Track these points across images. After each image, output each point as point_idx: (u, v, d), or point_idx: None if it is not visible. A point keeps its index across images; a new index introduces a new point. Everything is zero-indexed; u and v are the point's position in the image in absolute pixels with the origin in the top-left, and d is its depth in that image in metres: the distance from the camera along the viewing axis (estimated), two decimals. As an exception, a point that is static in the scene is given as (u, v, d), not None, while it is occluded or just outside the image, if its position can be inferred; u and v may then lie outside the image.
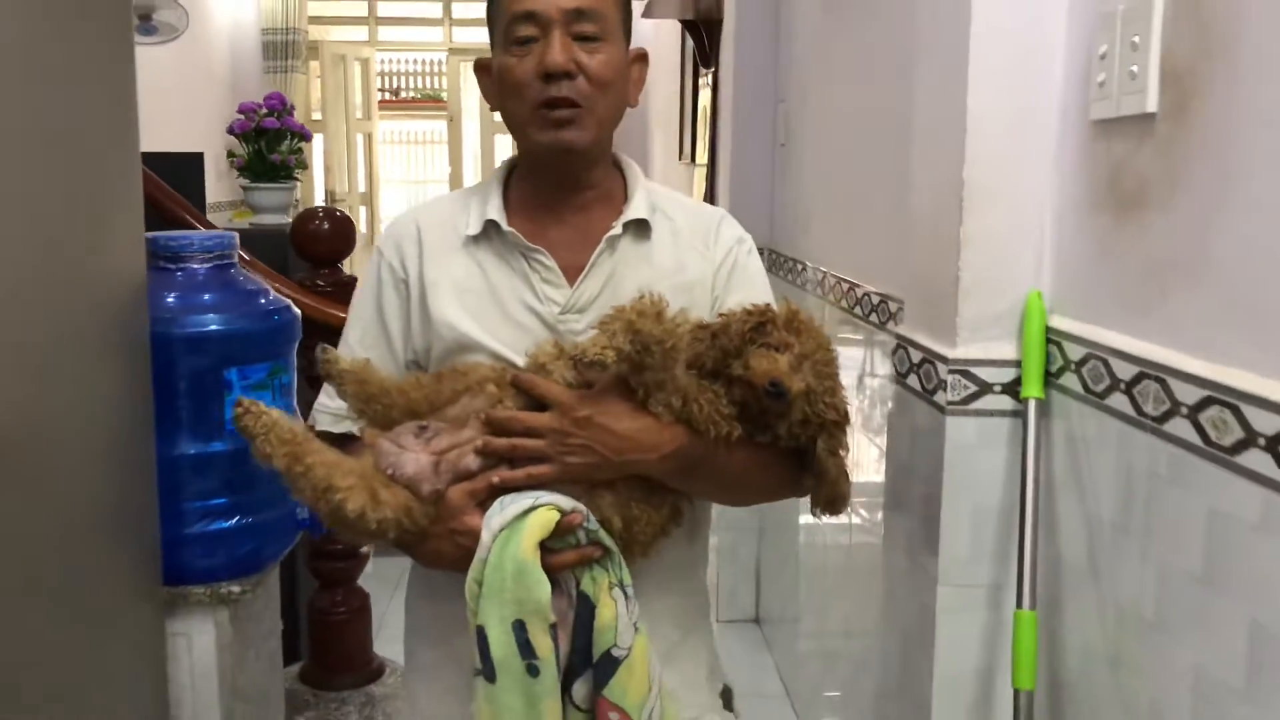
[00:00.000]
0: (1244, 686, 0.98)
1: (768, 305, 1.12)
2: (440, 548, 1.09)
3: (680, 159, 4.68)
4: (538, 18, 1.15)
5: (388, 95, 10.11)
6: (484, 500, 1.07)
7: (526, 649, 1.01)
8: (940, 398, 1.39)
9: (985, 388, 1.37)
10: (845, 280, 2.22)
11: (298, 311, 1.55)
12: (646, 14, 3.78)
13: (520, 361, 1.14)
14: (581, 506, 1.06)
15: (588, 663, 1.04)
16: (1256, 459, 0.95)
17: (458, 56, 8.63)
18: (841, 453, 1.10)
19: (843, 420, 1.09)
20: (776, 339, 1.06)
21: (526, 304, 1.19)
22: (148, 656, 1.34)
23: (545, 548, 1.03)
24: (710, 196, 3.59)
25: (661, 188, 1.30)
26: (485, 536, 1.02)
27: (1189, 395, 1.04)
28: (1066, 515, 1.30)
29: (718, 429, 1.07)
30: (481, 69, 1.25)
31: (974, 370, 1.37)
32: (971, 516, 1.37)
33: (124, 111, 1.31)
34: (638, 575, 1.10)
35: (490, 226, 1.21)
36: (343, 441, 1.18)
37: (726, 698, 1.29)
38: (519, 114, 1.18)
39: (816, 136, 2.59)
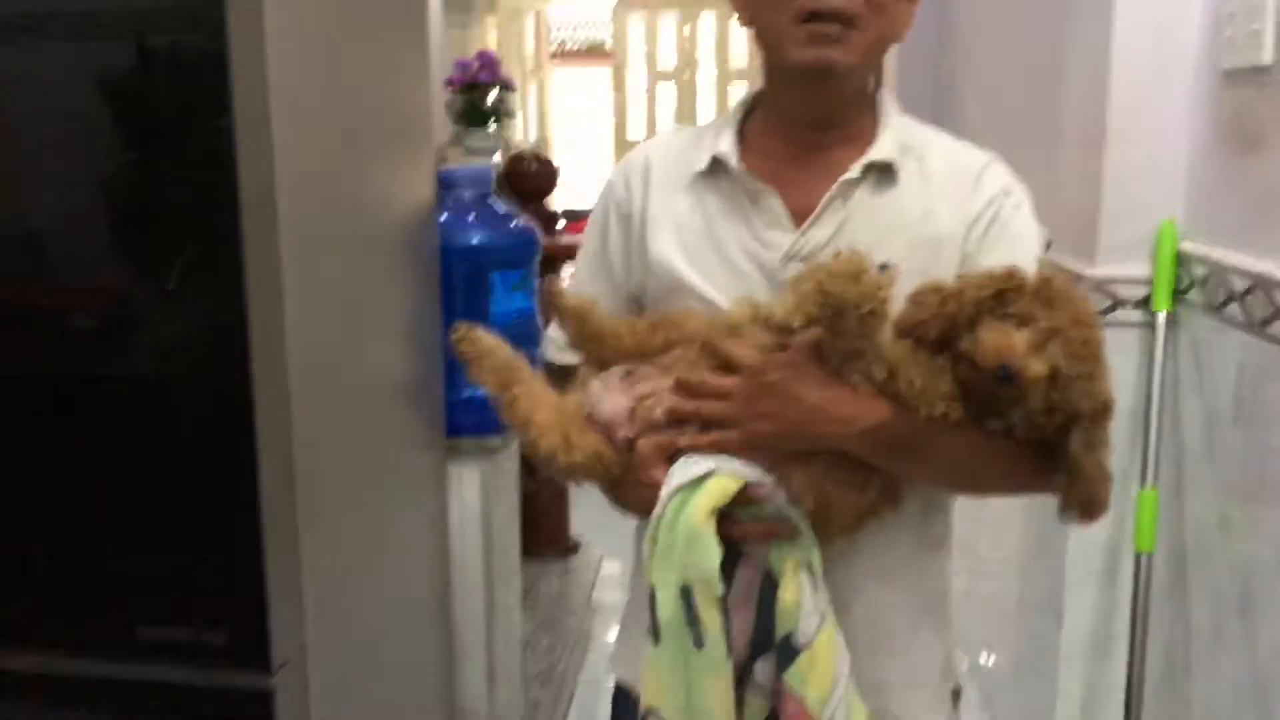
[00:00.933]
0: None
1: (1014, 269, 0.94)
2: (630, 495, 1.06)
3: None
4: None
5: (555, 47, 10.46)
6: (673, 455, 1.02)
7: (692, 617, 0.96)
8: (1080, 311, 1.62)
9: (1120, 302, 1.59)
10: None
11: (538, 231, 1.91)
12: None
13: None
14: (768, 479, 0.98)
15: (770, 643, 0.99)
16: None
17: (624, 8, 8.91)
18: (1101, 450, 0.93)
19: (1102, 411, 0.92)
20: (1019, 310, 0.90)
21: (747, 248, 1.09)
22: (434, 490, 1.72)
23: (729, 516, 0.97)
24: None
25: (924, 126, 1.15)
26: (664, 494, 0.98)
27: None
28: (1187, 411, 1.52)
29: (930, 407, 0.93)
30: None
31: (1110, 287, 1.59)
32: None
33: (423, 76, 1.66)
34: (855, 560, 1.05)
35: (719, 163, 1.11)
36: (568, 372, 1.16)
37: (955, 696, 1.17)
38: (776, 25, 1.05)
39: (975, 83, 2.77)
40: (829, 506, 0.99)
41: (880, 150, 1.07)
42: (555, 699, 2.42)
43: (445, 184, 1.74)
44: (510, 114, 3.55)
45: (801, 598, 0.98)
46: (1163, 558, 1.55)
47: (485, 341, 1.06)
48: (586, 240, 1.22)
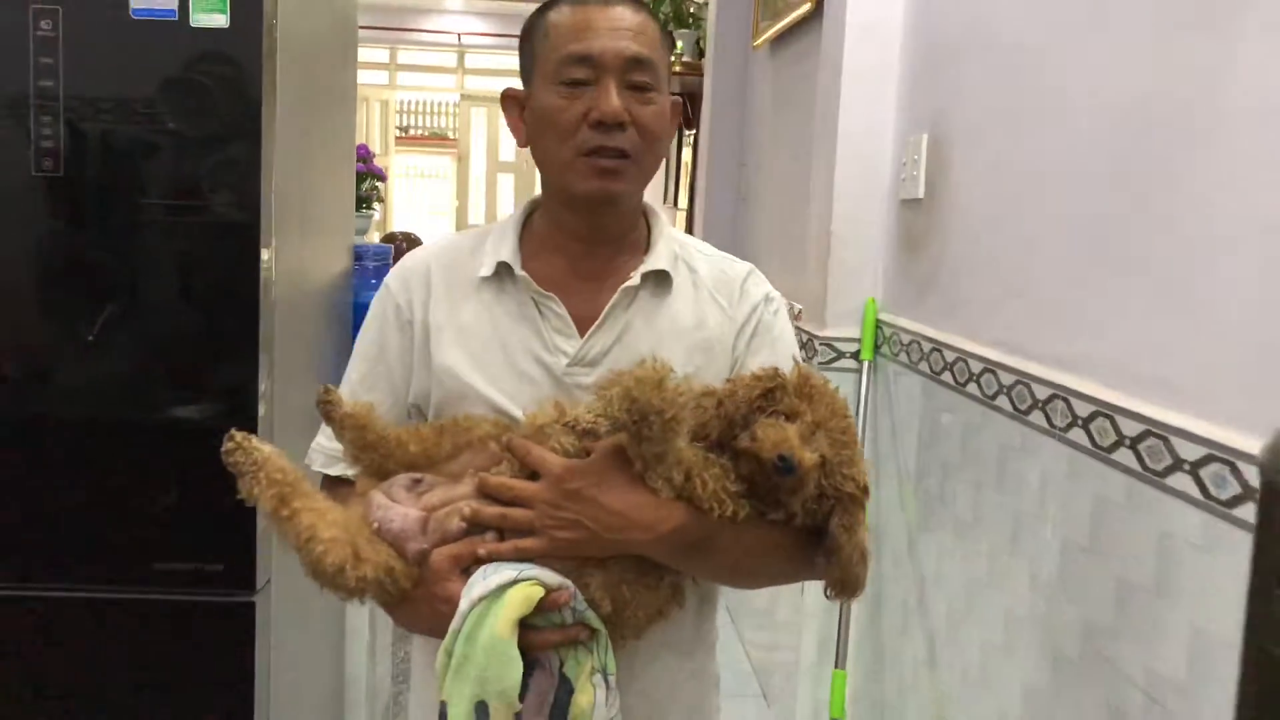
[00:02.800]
0: (1008, 550, 1.91)
1: (776, 370, 1.01)
2: (419, 611, 1.03)
3: (665, 202, 5.62)
4: (594, 62, 1.09)
5: (399, 133, 11.03)
6: (469, 567, 1.00)
7: None
8: (816, 361, 2.31)
9: (841, 354, 2.30)
10: (779, 297, 3.16)
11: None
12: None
13: (521, 416, 1.09)
14: (569, 584, 0.98)
15: None
16: (977, 386, 1.88)
17: (469, 101, 9.60)
18: (859, 530, 1.00)
19: (861, 494, 0.99)
20: (786, 406, 0.97)
21: (534, 354, 1.12)
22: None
23: (528, 625, 0.95)
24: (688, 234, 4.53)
25: (688, 237, 1.24)
26: (463, 605, 0.95)
27: (949, 355, 1.96)
28: (883, 427, 2.23)
29: (722, 508, 0.97)
30: (511, 100, 1.18)
31: (835, 344, 2.30)
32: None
33: (349, 176, 2.21)
34: (637, 657, 1.07)
35: (503, 269, 1.15)
36: (337, 484, 1.15)
37: None
38: (559, 157, 1.11)
39: (762, 194, 3.53)
40: (625, 608, 1.00)
41: (658, 259, 1.15)
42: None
43: (357, 257, 2.29)
44: (381, 199, 4.11)
45: (595, 702, 0.98)
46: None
47: (260, 451, 0.99)
48: (362, 347, 1.21)
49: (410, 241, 3.47)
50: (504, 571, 0.96)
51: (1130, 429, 1.31)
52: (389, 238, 3.33)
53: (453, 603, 0.97)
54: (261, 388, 1.67)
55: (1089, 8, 1.49)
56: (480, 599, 0.94)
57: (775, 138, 3.36)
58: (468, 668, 0.94)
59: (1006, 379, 1.65)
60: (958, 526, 1.85)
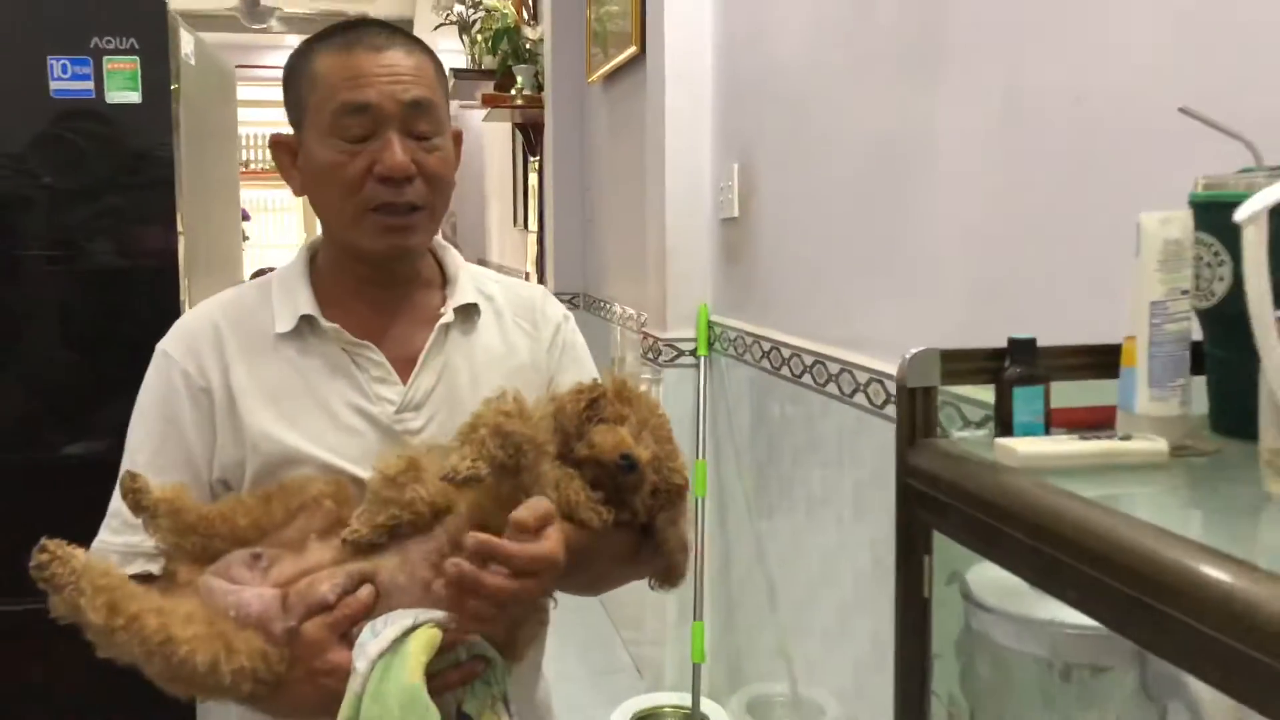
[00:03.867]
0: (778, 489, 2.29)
1: (595, 381, 1.07)
2: (302, 693, 0.94)
3: (515, 225, 5.92)
4: (373, 112, 1.04)
5: (241, 168, 10.91)
6: (347, 632, 0.94)
7: None
8: (661, 359, 2.67)
9: (681, 353, 2.66)
10: (626, 308, 3.51)
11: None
12: (486, 117, 5.03)
13: (355, 470, 1.04)
14: (457, 619, 0.94)
15: None
16: (788, 368, 2.27)
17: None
18: (681, 522, 1.06)
19: (683, 486, 1.06)
20: (611, 413, 1.01)
21: (356, 406, 1.08)
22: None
23: (427, 671, 0.91)
24: (540, 257, 4.84)
25: (475, 266, 1.23)
26: (360, 666, 0.89)
27: (766, 345, 2.34)
28: (720, 411, 2.60)
29: (600, 516, 0.99)
30: (281, 147, 1.11)
31: (676, 343, 2.66)
32: (677, 422, 2.66)
33: (235, 215, 2.44)
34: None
35: (305, 322, 1.09)
36: (142, 583, 0.98)
37: None
38: (343, 214, 1.07)
39: (605, 215, 3.88)
40: (514, 632, 0.99)
41: (464, 294, 1.15)
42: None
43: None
44: (246, 236, 4.29)
45: None
46: (711, 502, 2.61)
47: (78, 557, 0.88)
48: (147, 420, 1.10)
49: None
50: (398, 620, 0.92)
51: (894, 388, 1.70)
52: (258, 273, 3.53)
53: (339, 672, 0.91)
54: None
55: (845, 64, 1.89)
56: (379, 655, 0.89)
57: (613, 164, 3.72)
58: None
59: (808, 360, 2.05)
60: (781, 484, 2.24)
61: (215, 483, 1.09)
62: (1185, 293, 0.79)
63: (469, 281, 1.18)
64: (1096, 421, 0.83)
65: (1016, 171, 1.40)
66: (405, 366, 1.12)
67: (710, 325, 2.64)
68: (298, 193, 1.12)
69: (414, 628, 0.92)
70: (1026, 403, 0.84)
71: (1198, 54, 1.09)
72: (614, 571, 1.11)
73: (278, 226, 11.71)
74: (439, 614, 0.94)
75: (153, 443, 1.09)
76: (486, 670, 0.97)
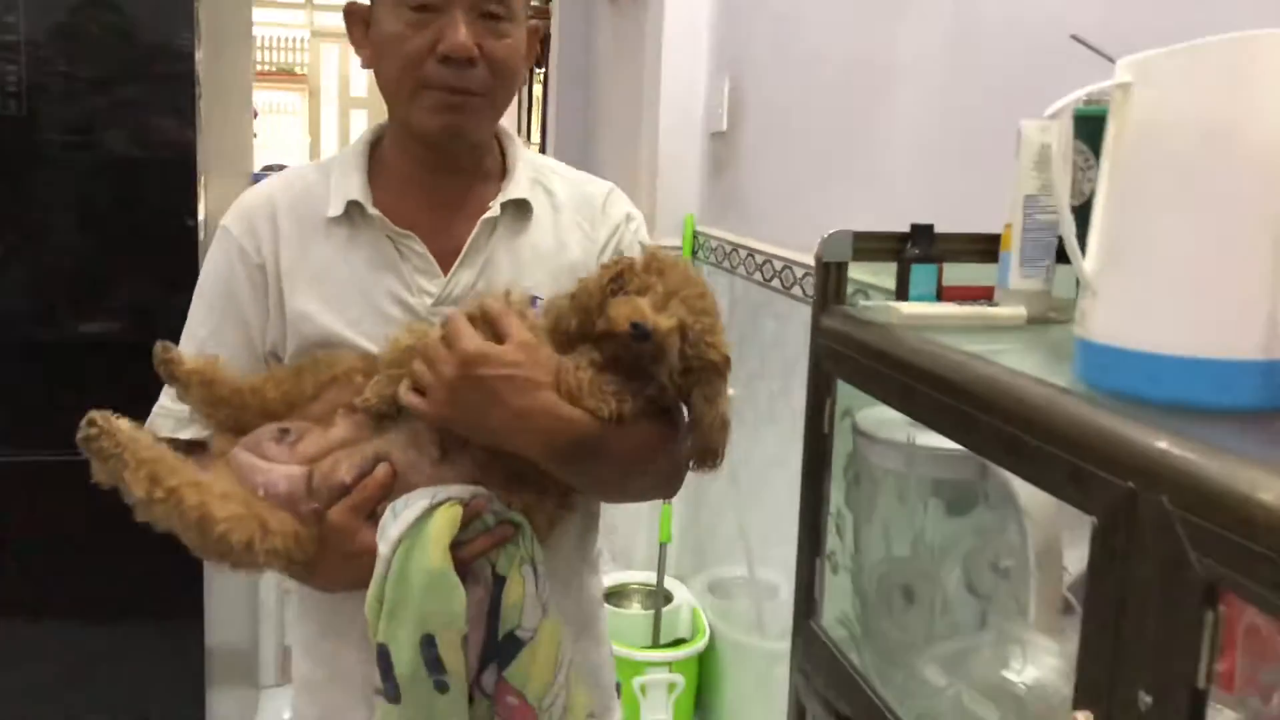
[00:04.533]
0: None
1: (622, 256, 1.03)
2: (335, 571, 0.98)
3: (519, 135, 6.02)
4: None
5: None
6: (373, 511, 0.97)
7: (435, 665, 0.92)
8: (647, 264, 2.84)
9: (667, 258, 2.83)
10: (620, 218, 3.67)
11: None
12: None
13: None
14: (481, 490, 0.97)
15: (495, 648, 0.96)
16: (760, 273, 2.43)
17: (319, 39, 9.65)
18: (720, 400, 1.00)
19: (723, 363, 0.99)
20: (637, 285, 0.97)
21: (395, 295, 1.08)
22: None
23: (455, 542, 0.93)
24: (541, 167, 4.97)
25: (545, 159, 1.21)
26: (383, 549, 0.92)
27: (743, 253, 2.50)
28: (701, 317, 2.78)
29: (608, 406, 0.96)
30: (355, 15, 1.10)
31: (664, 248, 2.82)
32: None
33: (247, 111, 2.58)
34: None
35: (354, 208, 1.09)
36: (190, 449, 1.04)
37: (616, 689, 1.26)
38: (404, 88, 1.05)
39: (603, 127, 4.00)
40: (525, 513, 1.00)
41: (516, 188, 1.11)
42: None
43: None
44: (255, 135, 4.43)
45: (525, 592, 0.97)
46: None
47: (124, 431, 0.90)
48: (206, 296, 1.12)
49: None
50: (416, 502, 0.94)
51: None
52: (266, 169, 3.67)
53: (368, 554, 0.94)
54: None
55: (829, -13, 2.02)
56: (400, 539, 0.92)
57: (614, 79, 3.83)
58: (404, 609, 0.91)
59: (778, 264, 2.21)
60: (750, 378, 2.42)
61: (267, 355, 1.11)
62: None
63: (526, 175, 1.14)
64: (979, 296, 1.00)
65: (961, 89, 1.55)
66: (448, 259, 1.09)
67: (695, 235, 2.79)
68: (366, 64, 1.09)
69: (432, 508, 0.93)
70: (922, 278, 1.01)
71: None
72: (639, 470, 1.05)
73: (283, 128, 11.74)
74: (456, 489, 0.96)
75: (214, 318, 1.11)
76: (516, 534, 0.98)
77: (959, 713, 0.80)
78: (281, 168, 3.87)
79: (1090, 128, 0.95)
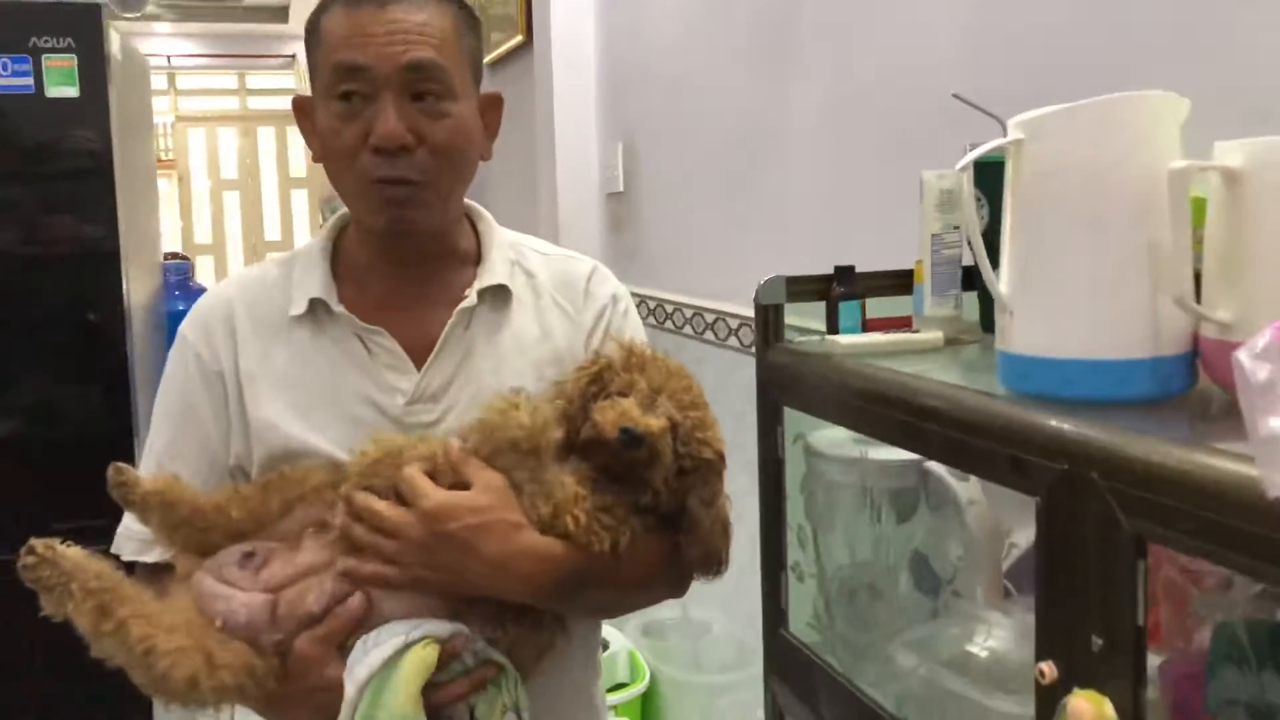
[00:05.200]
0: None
1: (598, 352, 0.98)
2: (297, 709, 0.91)
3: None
4: (368, 72, 0.95)
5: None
6: (344, 643, 0.90)
7: None
8: (557, 323, 2.94)
9: (575, 315, 2.94)
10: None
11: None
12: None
13: None
14: (461, 626, 0.90)
15: None
16: (671, 322, 2.56)
17: (184, 123, 9.50)
18: (719, 501, 0.95)
19: (718, 461, 0.94)
20: (620, 384, 0.92)
21: (365, 395, 1.01)
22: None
23: (430, 683, 0.87)
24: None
25: (522, 237, 1.13)
26: (350, 690, 0.85)
27: (651, 304, 2.62)
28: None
29: (600, 542, 0.90)
30: (301, 110, 1.05)
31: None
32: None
33: (153, 198, 2.60)
34: (532, 700, 0.95)
35: (317, 305, 1.03)
36: (156, 571, 0.99)
37: None
38: (345, 184, 1.00)
39: (493, 190, 4.11)
40: (514, 649, 0.93)
41: (493, 273, 1.04)
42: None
43: (164, 273, 2.69)
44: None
45: None
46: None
47: (67, 559, 0.84)
48: (164, 408, 1.06)
49: (179, 257, 3.80)
50: (389, 639, 0.87)
51: (762, 331, 2.01)
52: (167, 256, 3.65)
53: (336, 690, 0.86)
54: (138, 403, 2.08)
55: (714, 51, 2.18)
56: (369, 678, 0.85)
57: (502, 146, 3.94)
58: None
59: (687, 313, 2.34)
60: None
61: (231, 470, 1.04)
62: (956, 228, 1.10)
63: (503, 258, 1.08)
64: (899, 325, 1.14)
65: (845, 143, 1.71)
66: (422, 353, 1.03)
67: (601, 290, 2.91)
68: (316, 159, 1.04)
69: (406, 646, 0.86)
70: (848, 313, 1.14)
71: (971, 53, 1.41)
72: (643, 582, 0.99)
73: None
74: (434, 625, 0.89)
75: (171, 429, 1.05)
76: (499, 675, 0.92)
77: (931, 688, 0.92)
78: (178, 255, 3.84)
79: (980, 174, 1.11)
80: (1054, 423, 0.72)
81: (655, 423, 0.89)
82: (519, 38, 3.30)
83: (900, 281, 1.16)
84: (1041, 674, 0.71)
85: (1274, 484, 0.53)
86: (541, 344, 1.07)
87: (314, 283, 1.05)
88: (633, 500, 0.92)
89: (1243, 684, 0.62)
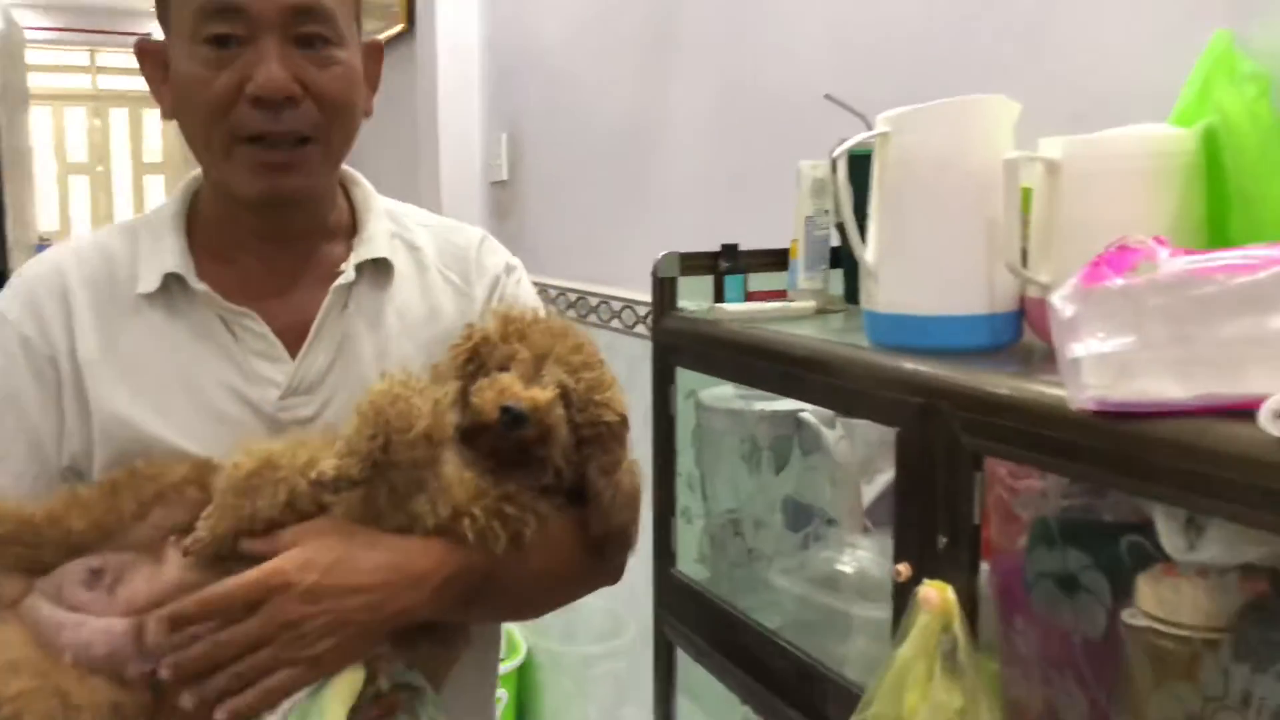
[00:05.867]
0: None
1: (470, 326, 0.88)
2: None
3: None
4: (245, 14, 0.82)
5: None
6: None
7: None
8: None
9: (458, 300, 3.02)
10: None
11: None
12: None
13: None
14: (382, 645, 0.81)
15: None
16: (555, 306, 2.67)
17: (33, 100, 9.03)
18: (621, 471, 0.86)
19: (619, 426, 0.86)
20: (499, 358, 0.82)
21: (231, 387, 0.89)
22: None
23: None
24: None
25: (401, 206, 1.02)
26: (271, 718, 0.75)
27: (535, 288, 2.72)
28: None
29: (494, 539, 0.80)
30: (148, 55, 0.90)
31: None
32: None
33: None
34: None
35: (172, 281, 0.89)
36: None
37: None
38: (212, 143, 0.85)
39: (370, 175, 4.13)
40: (431, 665, 0.86)
41: (373, 245, 0.93)
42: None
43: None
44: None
45: None
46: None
47: None
48: None
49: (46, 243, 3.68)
50: None
51: (641, 310, 2.15)
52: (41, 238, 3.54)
53: None
54: None
55: (600, 47, 2.31)
56: (293, 704, 0.76)
57: (379, 134, 3.97)
58: None
59: (572, 297, 2.46)
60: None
61: (65, 470, 0.89)
62: (827, 212, 1.26)
63: (382, 228, 0.96)
64: (776, 297, 1.29)
65: (724, 138, 1.87)
66: (296, 339, 0.91)
67: (483, 276, 3.00)
68: (167, 115, 0.90)
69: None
70: (733, 286, 1.28)
71: (838, 57, 1.58)
72: (557, 571, 0.90)
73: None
74: None
75: None
76: (415, 699, 0.83)
77: (806, 606, 1.06)
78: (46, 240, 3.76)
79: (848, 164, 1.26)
80: (911, 365, 0.87)
81: (542, 394, 0.79)
82: (400, 25, 3.35)
83: (777, 260, 1.31)
84: (898, 573, 0.86)
85: (1075, 398, 0.68)
86: (429, 323, 0.95)
87: (167, 255, 0.90)
88: (534, 483, 0.82)
89: (1051, 560, 0.78)
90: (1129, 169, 0.84)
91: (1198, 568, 0.66)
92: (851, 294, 1.30)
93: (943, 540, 0.83)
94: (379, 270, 0.95)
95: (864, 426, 1.05)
